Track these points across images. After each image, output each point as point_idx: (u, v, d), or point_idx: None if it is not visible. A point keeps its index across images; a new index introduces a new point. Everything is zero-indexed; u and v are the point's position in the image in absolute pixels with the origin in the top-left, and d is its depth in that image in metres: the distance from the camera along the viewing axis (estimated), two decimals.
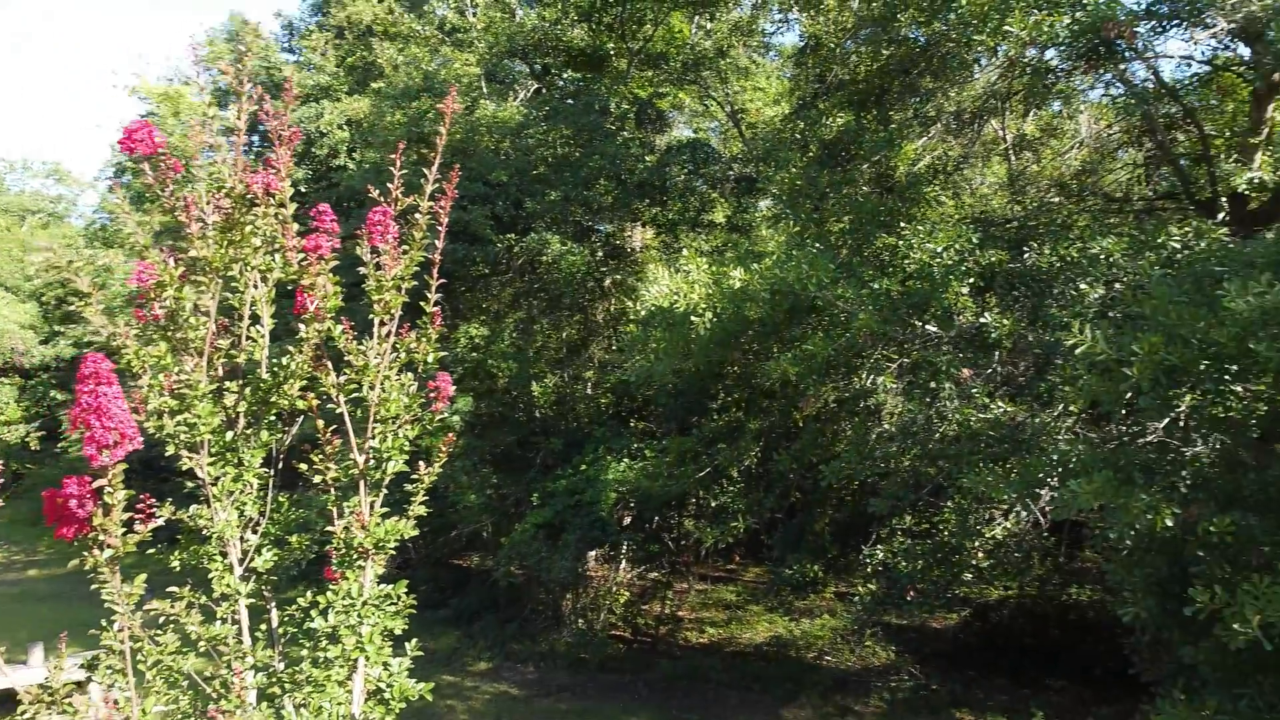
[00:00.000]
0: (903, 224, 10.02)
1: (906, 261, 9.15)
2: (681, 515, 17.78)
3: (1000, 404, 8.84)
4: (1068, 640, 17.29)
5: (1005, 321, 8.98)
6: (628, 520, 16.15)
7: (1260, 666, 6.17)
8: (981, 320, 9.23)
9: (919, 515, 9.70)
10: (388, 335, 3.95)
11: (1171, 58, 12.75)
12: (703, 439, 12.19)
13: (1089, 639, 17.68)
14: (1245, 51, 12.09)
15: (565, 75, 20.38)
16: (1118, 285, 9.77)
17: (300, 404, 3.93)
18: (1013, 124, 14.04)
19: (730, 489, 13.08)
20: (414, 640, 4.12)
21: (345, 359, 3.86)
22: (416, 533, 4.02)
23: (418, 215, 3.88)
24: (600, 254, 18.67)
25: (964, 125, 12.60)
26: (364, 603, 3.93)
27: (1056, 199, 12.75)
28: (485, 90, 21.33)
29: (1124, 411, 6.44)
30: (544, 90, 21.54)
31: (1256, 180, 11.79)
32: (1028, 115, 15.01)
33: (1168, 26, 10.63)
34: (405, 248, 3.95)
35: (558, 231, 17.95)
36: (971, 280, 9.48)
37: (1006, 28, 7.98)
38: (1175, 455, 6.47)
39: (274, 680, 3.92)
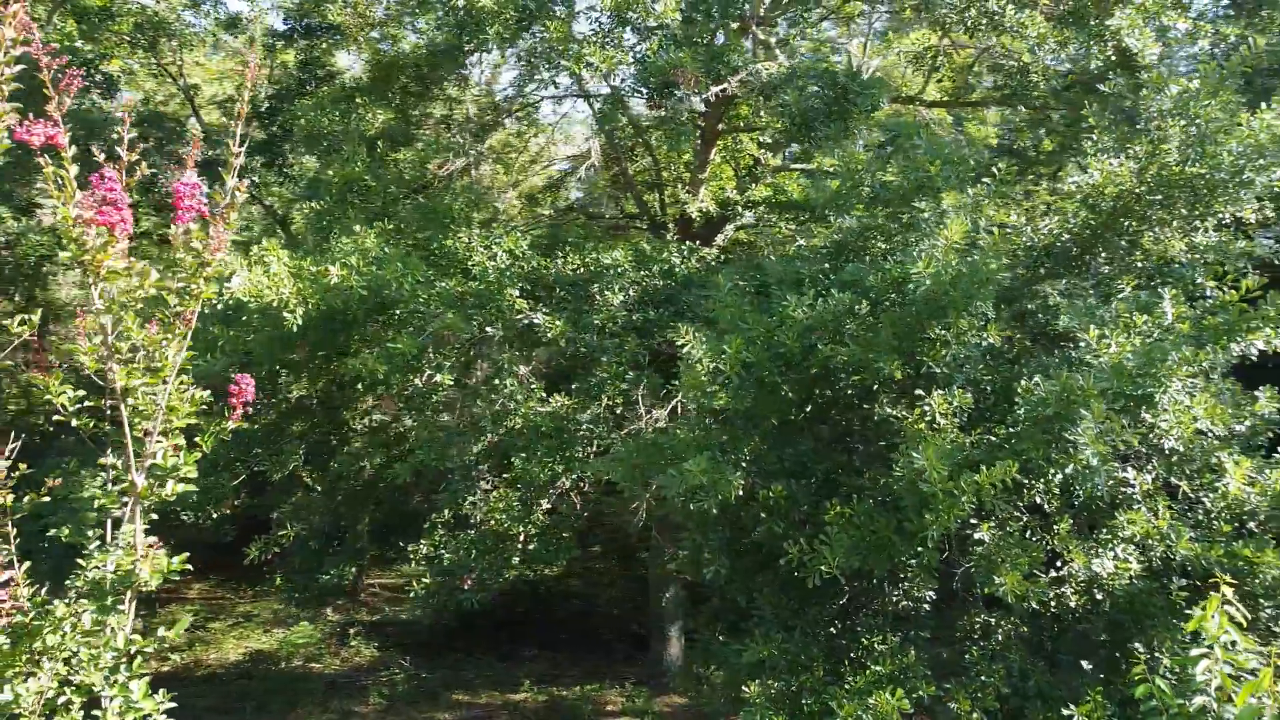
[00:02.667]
0: (461, 227, 10.40)
1: (470, 264, 9.54)
2: None
3: (558, 398, 9.68)
4: (537, 612, 19.06)
5: (558, 323, 9.84)
6: None
7: (804, 603, 7.81)
8: (534, 320, 9.98)
9: (474, 507, 10.12)
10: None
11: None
12: (241, 443, 11.13)
13: (556, 610, 19.69)
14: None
15: None
16: (631, 292, 11.26)
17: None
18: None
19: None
20: None
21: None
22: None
23: None
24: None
25: (478, 133, 13.34)
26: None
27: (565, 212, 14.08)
28: None
29: (714, 406, 7.61)
30: None
31: (705, 208, 14.31)
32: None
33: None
34: None
35: None
36: (521, 284, 10.19)
37: (590, 59, 8.81)
38: (739, 435, 7.81)
39: None
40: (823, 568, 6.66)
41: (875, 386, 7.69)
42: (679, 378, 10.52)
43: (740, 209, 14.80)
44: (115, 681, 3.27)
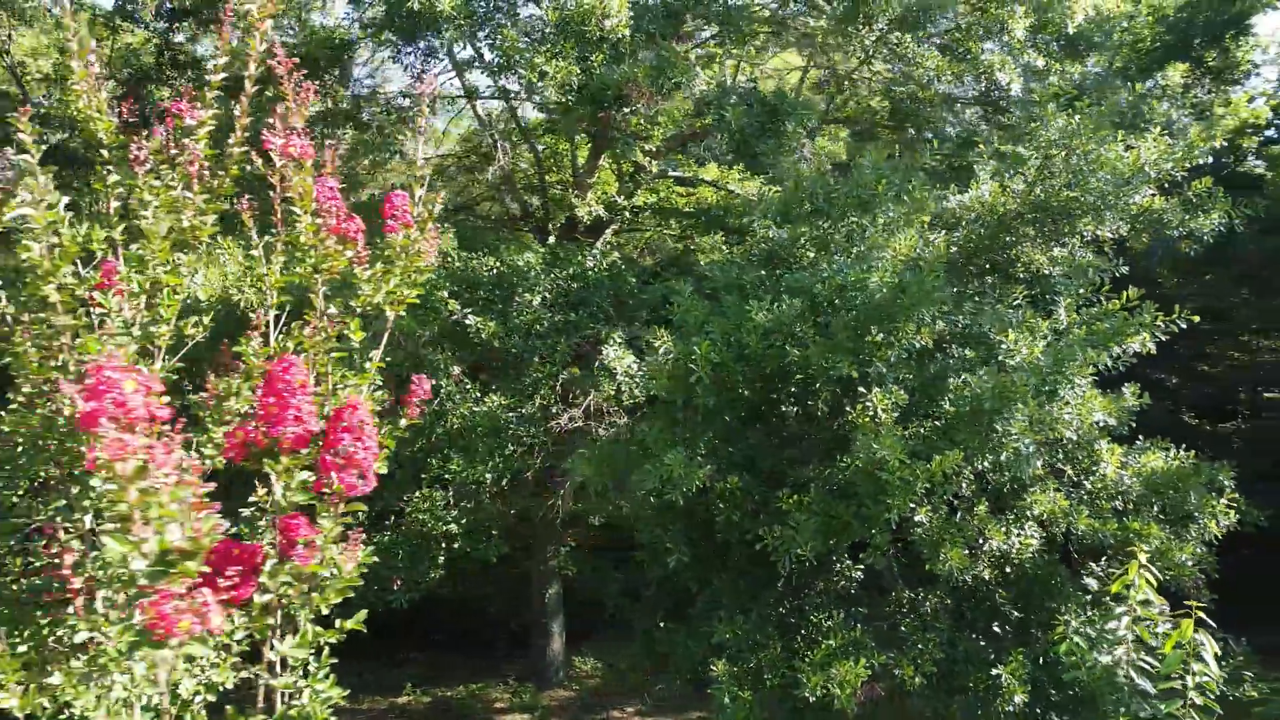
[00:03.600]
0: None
1: None
2: None
3: (492, 398, 9.83)
4: (411, 614, 18.76)
5: (490, 323, 10.00)
6: None
7: (758, 587, 8.39)
8: (466, 320, 10.09)
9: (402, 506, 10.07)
10: None
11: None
12: None
13: (433, 611, 19.46)
14: None
15: None
16: (546, 294, 11.52)
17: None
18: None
19: None
20: None
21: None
22: None
23: None
24: None
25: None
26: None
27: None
28: None
29: (682, 401, 8.04)
30: None
31: (593, 211, 14.71)
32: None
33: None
34: None
35: None
36: (450, 285, 10.27)
37: None
38: (699, 432, 8.29)
39: None
40: (798, 550, 7.25)
41: (819, 385, 8.36)
42: (593, 377, 10.89)
43: (626, 213, 15.29)
44: (311, 674, 3.39)
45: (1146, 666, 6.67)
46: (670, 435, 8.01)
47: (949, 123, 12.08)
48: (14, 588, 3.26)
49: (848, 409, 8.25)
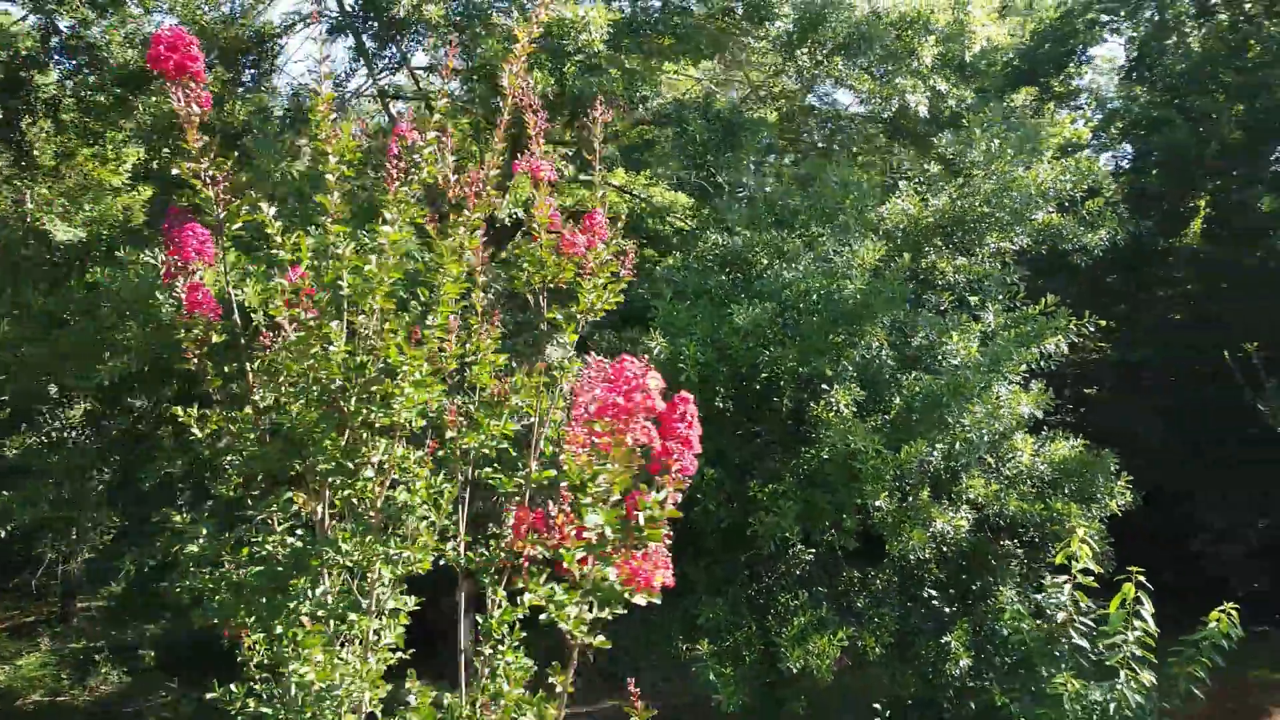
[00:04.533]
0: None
1: None
2: None
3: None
4: None
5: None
6: None
7: (729, 571, 8.97)
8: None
9: None
10: None
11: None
12: None
13: None
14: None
15: None
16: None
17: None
18: None
19: None
20: None
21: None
22: None
23: None
24: None
25: None
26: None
27: None
28: None
29: None
30: None
31: (512, 213, 14.95)
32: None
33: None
34: None
35: None
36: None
37: None
38: None
39: None
40: (784, 534, 7.87)
41: (783, 383, 9.03)
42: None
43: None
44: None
45: (1083, 627, 7.65)
46: None
47: (859, 140, 13.07)
48: (248, 571, 3.45)
49: (810, 405, 8.93)
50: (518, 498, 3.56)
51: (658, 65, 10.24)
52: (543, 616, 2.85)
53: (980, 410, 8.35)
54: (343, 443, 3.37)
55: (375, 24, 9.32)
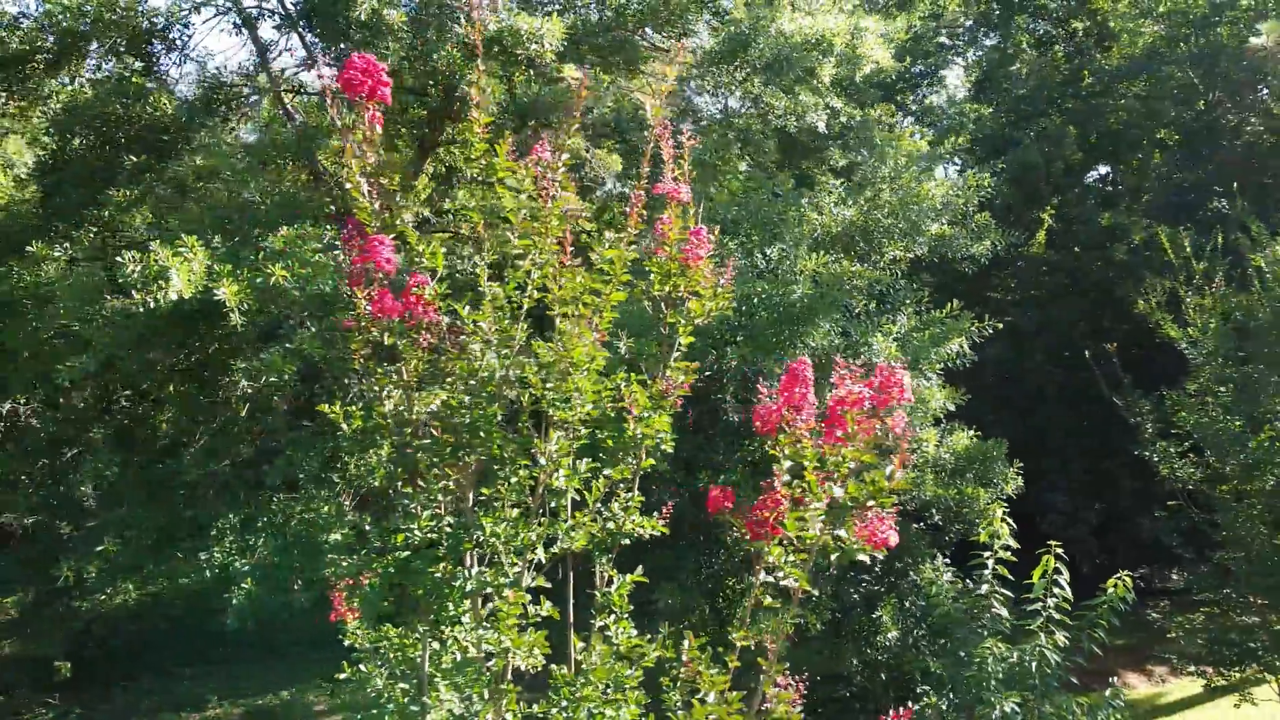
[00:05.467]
0: None
1: None
2: None
3: None
4: (182, 627, 17.56)
5: None
6: None
7: (679, 558, 9.48)
8: None
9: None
10: None
11: None
12: None
13: (202, 622, 18.36)
14: None
15: None
16: None
17: None
18: None
19: None
20: None
21: None
22: None
23: None
24: None
25: None
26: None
27: None
28: None
29: None
30: None
31: (420, 213, 15.02)
32: None
33: None
34: None
35: None
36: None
37: None
38: None
39: None
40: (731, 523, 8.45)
41: (725, 380, 9.63)
42: None
43: (449, 215, 15.70)
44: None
45: (1001, 597, 8.59)
46: None
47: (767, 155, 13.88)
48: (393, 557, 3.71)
49: (751, 400, 9.56)
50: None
51: (602, 75, 10.64)
52: (764, 577, 3.29)
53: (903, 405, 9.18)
54: (508, 438, 3.68)
55: (318, 27, 9.31)
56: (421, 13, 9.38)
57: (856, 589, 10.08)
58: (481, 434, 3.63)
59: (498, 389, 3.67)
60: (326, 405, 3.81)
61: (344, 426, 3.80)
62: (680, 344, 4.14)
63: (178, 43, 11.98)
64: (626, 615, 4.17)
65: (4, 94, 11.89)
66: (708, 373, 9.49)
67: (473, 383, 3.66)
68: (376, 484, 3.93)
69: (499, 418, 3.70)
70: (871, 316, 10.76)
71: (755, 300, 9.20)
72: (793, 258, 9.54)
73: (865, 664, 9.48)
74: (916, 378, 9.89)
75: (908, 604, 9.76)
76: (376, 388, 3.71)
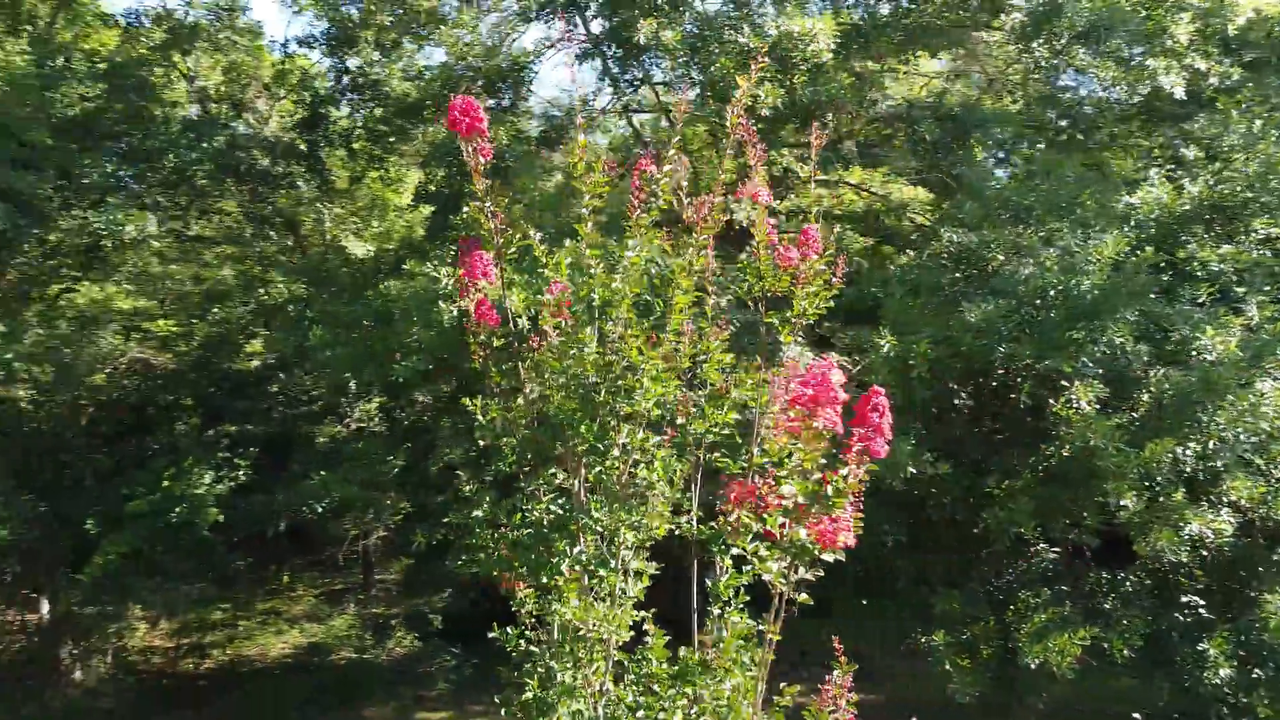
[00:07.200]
0: None
1: None
2: None
3: None
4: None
5: None
6: None
7: (967, 567, 9.07)
8: None
9: None
10: None
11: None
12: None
13: None
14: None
15: None
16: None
17: None
18: None
19: None
20: None
21: None
22: None
23: None
24: None
25: None
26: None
27: None
28: None
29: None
30: None
31: (750, 215, 15.46)
32: None
33: None
34: None
35: None
36: None
37: None
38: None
39: None
40: (1017, 529, 7.92)
41: (1020, 380, 8.99)
42: None
43: (781, 216, 16.02)
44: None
45: None
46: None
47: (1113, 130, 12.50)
48: (522, 532, 4.21)
49: (1049, 401, 8.84)
50: (741, 477, 4.09)
51: (885, 67, 10.43)
52: (746, 569, 3.38)
53: (1236, 408, 7.95)
54: (595, 428, 4.03)
55: (619, 49, 10.17)
56: (705, 28, 9.88)
57: (1183, 614, 8.87)
58: (571, 426, 4.02)
59: (580, 385, 4.03)
60: (468, 399, 4.42)
61: (479, 418, 4.38)
62: (782, 341, 4.21)
63: (524, 77, 13.69)
64: (741, 608, 4.32)
65: (394, 138, 14.35)
66: (1001, 371, 8.95)
67: (561, 380, 4.07)
68: (506, 469, 4.45)
69: (588, 410, 4.05)
70: (1211, 307, 9.37)
71: (1045, 293, 8.51)
72: (1088, 244, 8.65)
73: (1186, 703, 8.32)
74: (1260, 378, 8.46)
75: (1250, 639, 8.37)
76: (490, 385, 4.25)
